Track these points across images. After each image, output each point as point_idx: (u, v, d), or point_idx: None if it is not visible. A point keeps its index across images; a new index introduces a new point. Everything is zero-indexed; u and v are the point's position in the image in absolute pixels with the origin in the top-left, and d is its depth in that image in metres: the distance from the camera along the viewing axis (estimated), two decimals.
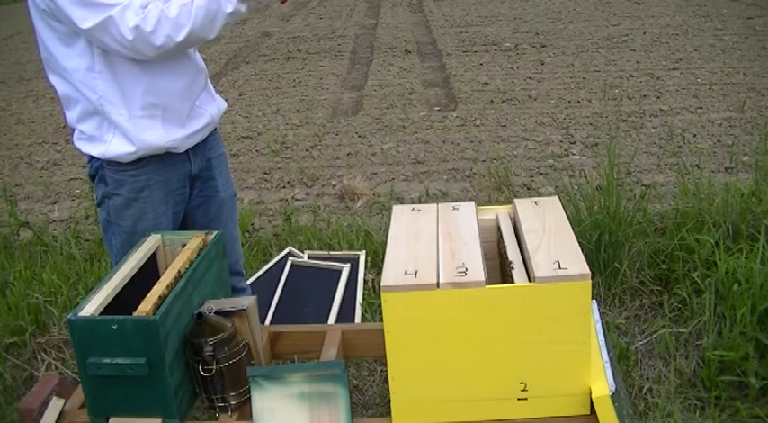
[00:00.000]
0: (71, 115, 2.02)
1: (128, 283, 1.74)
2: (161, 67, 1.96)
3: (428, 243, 1.69)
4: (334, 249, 3.39)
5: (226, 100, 2.33)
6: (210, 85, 2.22)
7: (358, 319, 2.84)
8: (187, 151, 2.10)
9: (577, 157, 4.74)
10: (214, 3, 1.87)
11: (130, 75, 1.94)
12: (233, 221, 2.35)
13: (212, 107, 2.17)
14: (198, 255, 1.85)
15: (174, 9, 1.84)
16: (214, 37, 1.95)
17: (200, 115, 2.11)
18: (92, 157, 2.05)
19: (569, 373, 1.56)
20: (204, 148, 2.18)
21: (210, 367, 1.67)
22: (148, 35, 1.82)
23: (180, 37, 1.85)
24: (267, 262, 3.21)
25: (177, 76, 2.01)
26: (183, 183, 2.13)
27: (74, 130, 2.06)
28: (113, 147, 1.98)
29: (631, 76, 6.54)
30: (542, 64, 7.22)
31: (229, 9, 1.89)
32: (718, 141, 4.85)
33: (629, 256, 3.00)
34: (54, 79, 2.01)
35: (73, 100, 1.98)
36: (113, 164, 2.02)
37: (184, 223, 2.23)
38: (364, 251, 3.24)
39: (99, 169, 2.05)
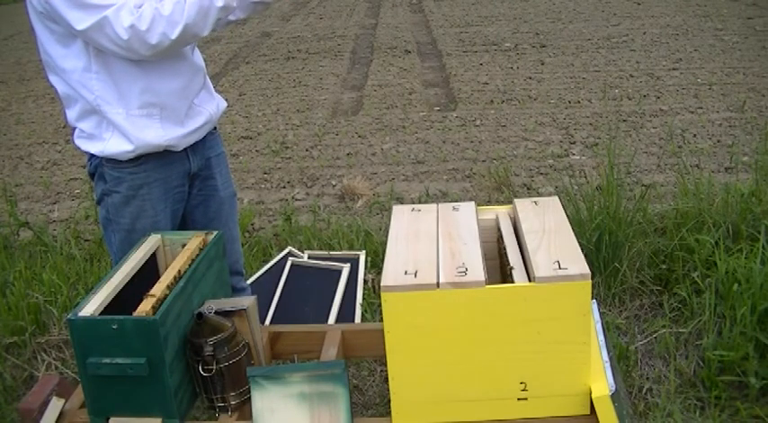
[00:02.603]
0: (71, 114, 2.03)
1: (128, 283, 1.74)
2: (158, 66, 1.97)
3: (428, 243, 1.69)
4: (334, 249, 3.38)
5: (226, 100, 2.33)
6: (210, 84, 2.22)
7: (358, 319, 2.84)
8: (186, 150, 2.10)
9: (577, 157, 4.74)
10: None
11: (127, 75, 1.94)
12: (233, 221, 2.35)
13: (211, 106, 2.17)
14: (198, 255, 1.85)
15: (167, 7, 1.84)
16: (207, 33, 1.94)
17: (198, 114, 2.11)
18: (91, 155, 2.06)
19: (569, 373, 1.56)
20: (203, 146, 2.18)
21: (210, 367, 1.67)
22: (144, 34, 1.82)
23: (174, 34, 1.85)
24: (267, 262, 3.21)
25: (175, 76, 2.02)
26: (182, 181, 2.14)
27: (74, 128, 2.07)
28: (112, 145, 1.99)
29: (631, 76, 6.54)
30: (542, 64, 7.22)
31: (220, 3, 1.88)
32: (718, 141, 4.85)
33: (629, 256, 3.00)
34: (53, 79, 2.02)
35: (72, 99, 2.00)
36: (112, 161, 2.02)
37: (184, 222, 2.23)
38: (364, 251, 3.24)
39: (98, 167, 2.06)
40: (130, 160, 2.02)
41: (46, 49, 1.96)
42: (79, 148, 2.07)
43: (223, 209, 2.28)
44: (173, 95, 2.02)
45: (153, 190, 2.07)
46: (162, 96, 1.99)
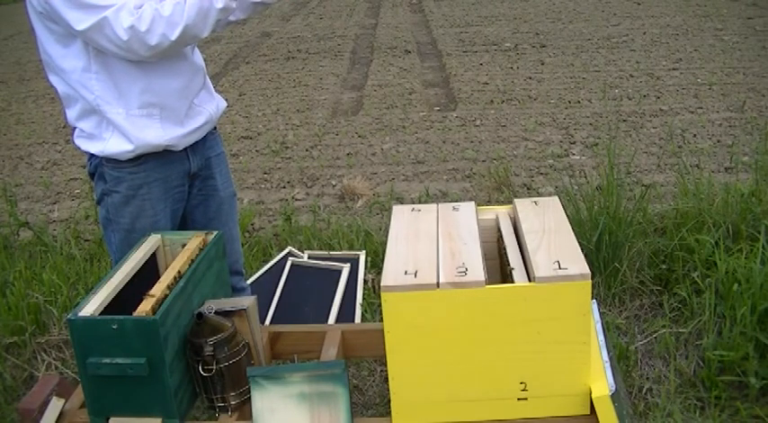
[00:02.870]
0: (71, 114, 2.04)
1: (128, 283, 1.74)
2: (158, 66, 1.97)
3: (428, 243, 1.69)
4: (334, 249, 3.38)
5: (226, 99, 2.33)
6: (210, 84, 2.22)
7: (358, 319, 2.84)
8: (186, 149, 2.11)
9: (577, 157, 4.74)
10: (206, 0, 1.87)
11: (127, 75, 1.94)
12: (233, 220, 2.35)
13: (211, 105, 2.18)
14: (198, 255, 1.85)
15: (167, 8, 1.84)
16: (207, 35, 1.94)
17: (198, 114, 2.11)
18: (91, 155, 2.06)
19: (569, 373, 1.56)
20: (203, 146, 2.18)
21: (210, 367, 1.67)
22: (143, 35, 1.82)
23: (174, 35, 1.85)
24: (267, 262, 3.21)
25: (174, 76, 2.02)
26: (181, 181, 2.14)
27: (74, 128, 2.07)
28: (112, 145, 1.99)
29: (631, 76, 6.54)
30: (542, 64, 7.22)
31: (220, 5, 1.88)
32: (718, 141, 4.85)
33: (629, 256, 3.00)
34: (53, 79, 2.02)
35: (72, 99, 2.00)
36: (112, 161, 2.03)
37: (184, 222, 2.23)
38: (364, 251, 3.24)
39: (98, 167, 2.06)
40: (130, 160, 2.02)
41: (46, 49, 1.97)
42: (79, 148, 2.07)
43: (223, 209, 2.28)
44: (173, 95, 2.02)
45: (153, 190, 2.07)
46: (162, 96, 1.99)
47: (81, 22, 1.82)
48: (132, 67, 1.94)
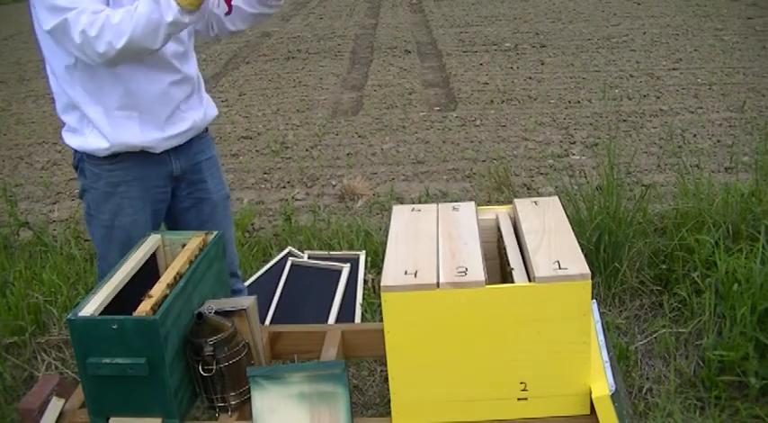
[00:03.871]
0: (58, 106, 2.07)
1: (128, 283, 1.74)
2: (137, 71, 1.97)
3: (428, 243, 1.69)
4: (334, 249, 3.38)
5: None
6: (203, 91, 2.21)
7: (358, 319, 2.84)
8: (168, 152, 2.10)
9: (577, 157, 4.74)
10: (156, 12, 1.80)
11: (108, 78, 1.96)
12: (227, 223, 2.34)
13: (197, 113, 2.16)
14: (198, 255, 1.85)
15: (118, 15, 1.81)
16: (160, 47, 1.88)
17: (181, 120, 2.10)
18: (75, 149, 2.07)
19: (569, 373, 1.56)
20: (189, 150, 2.17)
21: (210, 367, 1.67)
22: (93, 40, 1.80)
23: (119, 44, 1.80)
24: (267, 262, 3.21)
25: (153, 82, 2.01)
26: (163, 182, 2.14)
27: (63, 122, 2.09)
28: (90, 141, 2.01)
29: (631, 76, 6.54)
30: (542, 64, 7.22)
31: (170, 19, 1.82)
32: (718, 141, 4.85)
33: (629, 256, 3.00)
34: (48, 70, 2.05)
35: (59, 93, 2.03)
36: (91, 157, 2.05)
37: (177, 226, 2.24)
38: (364, 251, 3.24)
39: (80, 161, 2.09)
40: (107, 157, 2.03)
41: (40, 43, 2.00)
42: (64, 141, 2.10)
43: (217, 211, 2.28)
44: (153, 101, 2.02)
45: (131, 188, 2.08)
46: (140, 100, 2.00)
47: (47, 22, 1.84)
48: (114, 72, 1.94)
